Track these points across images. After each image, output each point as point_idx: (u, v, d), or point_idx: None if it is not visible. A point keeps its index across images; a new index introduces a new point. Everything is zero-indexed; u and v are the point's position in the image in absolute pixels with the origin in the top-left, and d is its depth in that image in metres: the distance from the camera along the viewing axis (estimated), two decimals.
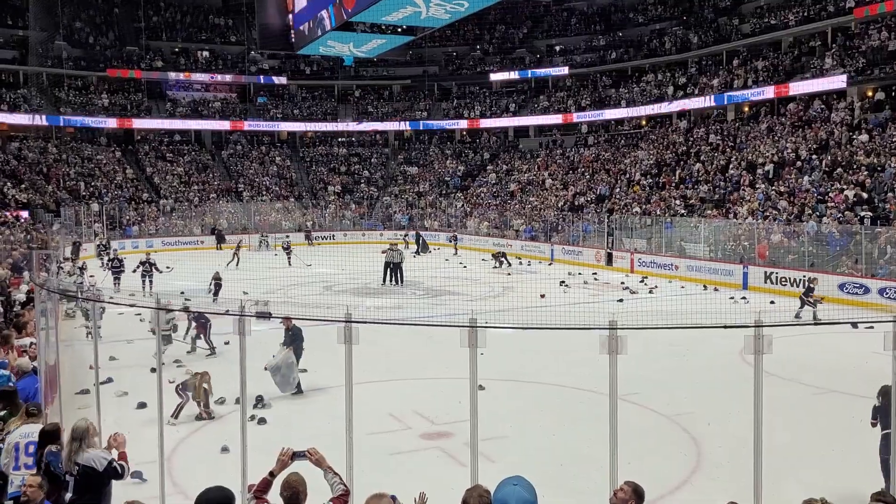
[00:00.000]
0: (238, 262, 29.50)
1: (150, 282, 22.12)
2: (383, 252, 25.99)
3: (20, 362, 8.16)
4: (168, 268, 26.58)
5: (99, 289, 16.58)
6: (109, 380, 12.18)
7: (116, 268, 23.34)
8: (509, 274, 28.24)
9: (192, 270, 23.34)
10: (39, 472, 5.58)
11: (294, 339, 12.42)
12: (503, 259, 30.46)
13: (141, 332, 16.09)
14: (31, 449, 5.97)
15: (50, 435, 5.74)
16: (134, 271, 22.94)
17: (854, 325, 17.28)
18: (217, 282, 20.31)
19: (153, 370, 12.32)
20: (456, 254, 35.69)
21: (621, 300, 21.38)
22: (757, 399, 5.14)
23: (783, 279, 23.17)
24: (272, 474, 4.44)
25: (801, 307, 18.55)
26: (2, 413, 6.88)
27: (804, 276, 21.38)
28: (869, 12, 32.55)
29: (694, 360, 14.27)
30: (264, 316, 6.34)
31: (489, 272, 29.04)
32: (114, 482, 5.75)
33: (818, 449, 9.75)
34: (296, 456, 4.54)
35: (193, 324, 15.07)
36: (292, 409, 11.62)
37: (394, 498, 4.43)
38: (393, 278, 25.50)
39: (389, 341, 13.86)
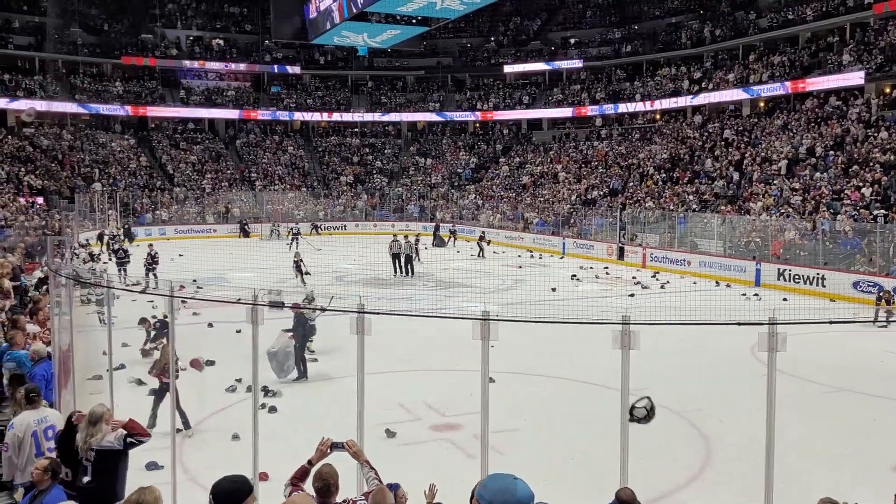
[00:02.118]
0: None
1: (154, 275, 21.96)
2: (390, 246, 26.02)
3: (36, 347, 8.22)
4: (181, 255, 26.78)
5: (110, 276, 16.68)
6: (122, 366, 12.29)
7: (121, 258, 23.26)
8: (520, 267, 28.21)
9: (203, 258, 23.48)
10: (62, 459, 5.65)
11: (297, 325, 12.54)
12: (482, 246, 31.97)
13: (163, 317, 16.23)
14: (51, 433, 6.03)
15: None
16: (123, 259, 22.98)
17: (876, 320, 17.26)
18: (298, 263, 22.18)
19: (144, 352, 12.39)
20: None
21: (632, 295, 21.31)
22: (770, 397, 5.12)
23: (796, 276, 23.03)
24: (310, 463, 4.49)
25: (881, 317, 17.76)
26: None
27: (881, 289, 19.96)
28: (888, 8, 32.18)
29: (704, 356, 14.22)
30: (277, 305, 6.35)
31: (500, 265, 29.02)
32: (128, 474, 5.80)
33: (829, 448, 9.70)
34: (334, 447, 4.60)
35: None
36: (302, 398, 11.68)
37: (396, 486, 4.47)
38: (402, 269, 25.52)
39: (400, 332, 13.90)
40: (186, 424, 9.77)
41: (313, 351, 13.99)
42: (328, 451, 4.58)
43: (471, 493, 4.17)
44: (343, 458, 4.64)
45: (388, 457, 8.37)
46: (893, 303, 18.53)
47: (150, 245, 23.93)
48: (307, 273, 22.46)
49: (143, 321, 13.32)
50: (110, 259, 24.68)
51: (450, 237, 36.57)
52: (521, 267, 28.25)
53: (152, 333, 13.20)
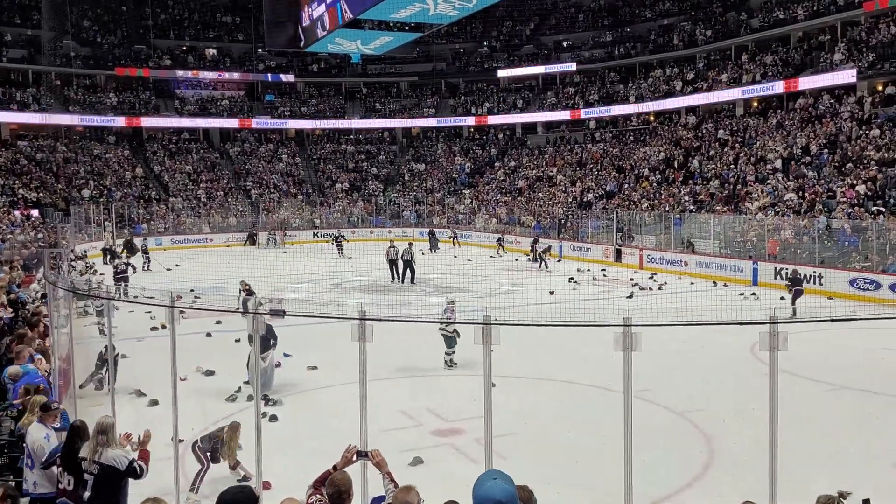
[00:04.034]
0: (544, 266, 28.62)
1: (126, 284, 21.73)
2: (387, 252, 26.05)
3: (10, 371, 8.16)
4: (177, 265, 26.69)
5: (108, 287, 16.59)
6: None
7: (122, 272, 22.89)
8: (516, 259, 28.20)
9: (200, 268, 23.45)
10: (64, 469, 5.64)
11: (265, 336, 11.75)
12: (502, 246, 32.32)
13: (150, 330, 16.21)
14: (27, 451, 6.14)
15: (80, 431, 5.78)
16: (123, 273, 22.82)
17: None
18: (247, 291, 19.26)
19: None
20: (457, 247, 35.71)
21: (630, 296, 21.33)
22: (772, 396, 5.13)
23: None
24: (335, 468, 4.50)
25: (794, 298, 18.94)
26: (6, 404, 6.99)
27: (786, 269, 21.75)
28: (879, 6, 32.35)
29: (705, 356, 14.24)
30: (278, 313, 6.35)
31: (497, 270, 29.03)
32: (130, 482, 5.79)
33: (831, 446, 9.72)
34: (359, 455, 4.64)
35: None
36: (303, 407, 11.65)
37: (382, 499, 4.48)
38: (400, 276, 25.51)
39: (399, 339, 13.87)
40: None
41: (455, 363, 13.60)
42: (353, 458, 4.61)
43: None
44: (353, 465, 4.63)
45: (392, 463, 8.35)
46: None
47: (131, 256, 23.85)
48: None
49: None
50: (92, 271, 24.39)
51: (498, 248, 35.13)
52: (517, 260, 28.11)
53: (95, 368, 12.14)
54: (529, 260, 31.02)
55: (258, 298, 5.92)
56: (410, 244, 26.43)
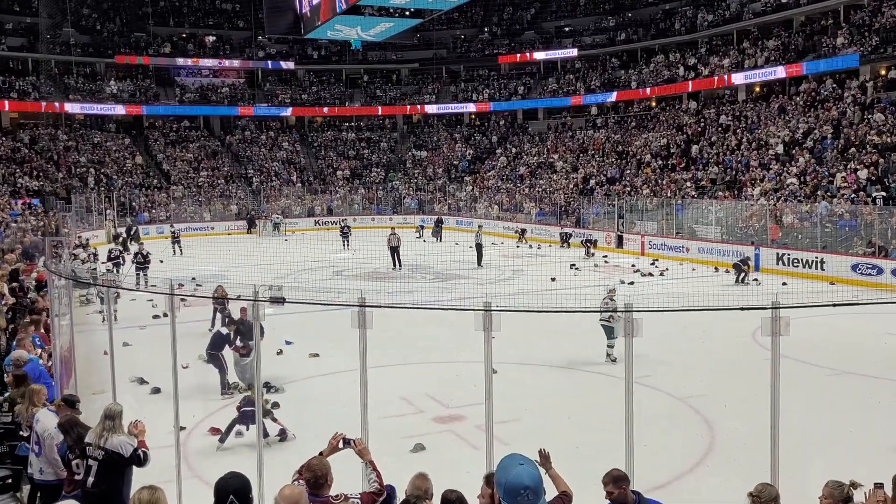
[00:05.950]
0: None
1: (145, 274, 21.46)
2: (388, 239, 26.04)
3: (18, 354, 8.15)
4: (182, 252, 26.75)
5: (112, 272, 16.59)
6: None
7: (141, 263, 22.55)
8: (518, 246, 28.12)
9: (202, 256, 23.44)
10: (66, 460, 5.65)
11: (244, 335, 11.31)
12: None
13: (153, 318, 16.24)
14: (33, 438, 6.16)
15: (69, 426, 5.77)
16: (143, 263, 22.51)
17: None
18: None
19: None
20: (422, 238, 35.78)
21: (632, 283, 21.31)
22: (774, 381, 5.11)
23: (795, 260, 23.03)
24: (322, 454, 4.48)
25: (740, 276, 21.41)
26: (8, 394, 6.98)
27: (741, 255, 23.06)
28: None
29: (706, 342, 14.23)
30: (278, 301, 6.32)
31: (498, 256, 28.99)
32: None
33: (833, 430, 9.72)
34: (345, 443, 4.64)
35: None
36: (305, 394, 11.66)
37: (392, 488, 4.47)
38: (398, 262, 25.53)
39: (400, 325, 13.87)
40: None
41: (616, 359, 12.75)
42: (340, 445, 4.59)
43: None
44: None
45: (393, 451, 8.37)
46: (749, 267, 22.09)
47: (141, 244, 23.66)
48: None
49: (231, 322, 12.20)
50: (93, 258, 24.28)
51: (588, 246, 29.41)
52: (518, 246, 28.02)
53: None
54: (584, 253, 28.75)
55: (257, 287, 5.94)
56: (480, 227, 26.61)
